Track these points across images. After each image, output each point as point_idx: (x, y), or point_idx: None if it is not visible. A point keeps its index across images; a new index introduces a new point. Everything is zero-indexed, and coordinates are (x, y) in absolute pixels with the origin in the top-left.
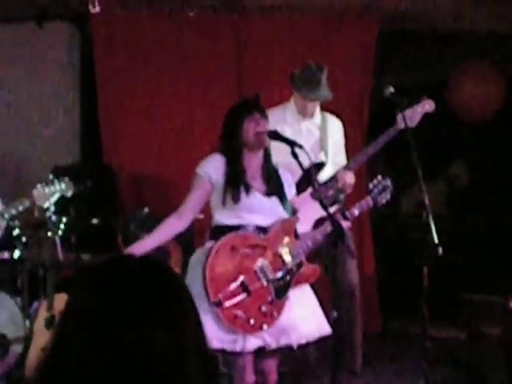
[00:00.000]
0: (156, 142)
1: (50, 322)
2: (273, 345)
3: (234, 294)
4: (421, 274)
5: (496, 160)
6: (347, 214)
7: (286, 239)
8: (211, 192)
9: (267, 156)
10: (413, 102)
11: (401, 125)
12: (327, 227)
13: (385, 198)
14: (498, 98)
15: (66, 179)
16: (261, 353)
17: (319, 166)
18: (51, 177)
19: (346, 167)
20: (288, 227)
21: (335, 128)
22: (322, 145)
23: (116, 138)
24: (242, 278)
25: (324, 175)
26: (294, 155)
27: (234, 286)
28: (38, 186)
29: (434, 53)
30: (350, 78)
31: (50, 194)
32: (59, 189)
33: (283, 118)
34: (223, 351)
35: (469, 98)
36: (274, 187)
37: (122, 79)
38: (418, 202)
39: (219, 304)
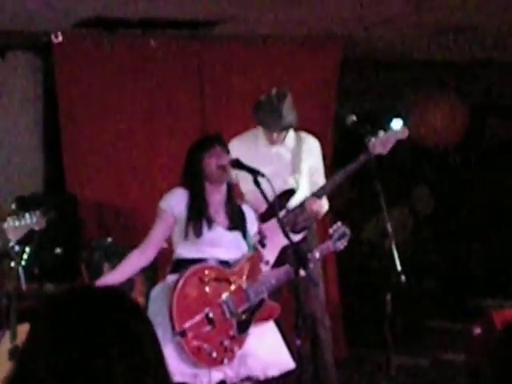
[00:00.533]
0: (119, 171)
1: (13, 353)
2: (234, 379)
3: (198, 326)
4: (383, 302)
5: (460, 186)
6: (308, 256)
7: (251, 275)
8: (174, 226)
9: (230, 191)
10: (376, 130)
11: (373, 151)
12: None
13: (342, 244)
14: (462, 124)
15: (38, 212)
16: None
17: (289, 192)
18: (13, 207)
19: (314, 195)
20: (253, 263)
21: (311, 148)
22: (294, 169)
23: (79, 167)
24: (207, 310)
25: (298, 198)
26: (257, 184)
27: (199, 317)
28: (9, 219)
29: (392, 80)
30: (314, 105)
31: (21, 228)
32: (30, 222)
33: (254, 144)
34: None
35: (431, 125)
36: (236, 221)
37: (85, 108)
38: (382, 229)
39: (183, 334)
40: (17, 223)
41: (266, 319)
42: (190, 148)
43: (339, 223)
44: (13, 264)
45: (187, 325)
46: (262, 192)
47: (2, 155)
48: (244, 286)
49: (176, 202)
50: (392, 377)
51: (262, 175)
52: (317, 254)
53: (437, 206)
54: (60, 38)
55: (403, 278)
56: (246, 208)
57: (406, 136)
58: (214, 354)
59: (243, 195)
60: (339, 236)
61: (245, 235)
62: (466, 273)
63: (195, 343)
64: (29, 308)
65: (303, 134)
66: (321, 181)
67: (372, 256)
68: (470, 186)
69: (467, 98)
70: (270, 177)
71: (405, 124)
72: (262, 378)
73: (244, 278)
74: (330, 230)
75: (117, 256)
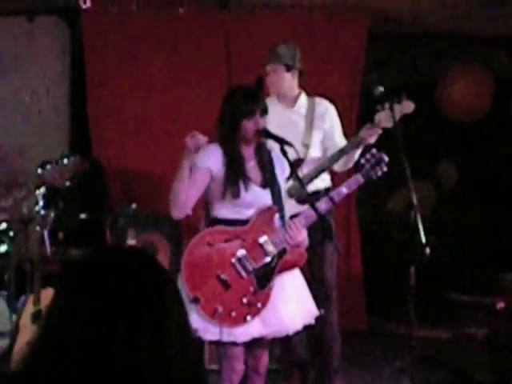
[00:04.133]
0: (145, 138)
1: (36, 317)
2: (268, 336)
3: (211, 289)
4: (407, 274)
5: (484, 160)
6: (334, 194)
7: (267, 228)
8: (209, 184)
9: (260, 145)
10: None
11: (379, 125)
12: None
13: (379, 171)
14: (488, 99)
15: (77, 156)
16: (253, 343)
17: (297, 162)
18: (39, 171)
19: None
20: (268, 216)
21: (325, 113)
22: (305, 138)
23: (105, 133)
24: (218, 271)
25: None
26: (284, 153)
27: (210, 282)
28: (48, 165)
29: (422, 53)
30: (340, 77)
31: (65, 171)
32: (73, 165)
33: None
34: (217, 342)
35: (459, 99)
36: (268, 176)
37: (112, 75)
38: (406, 202)
39: (197, 301)
40: (58, 168)
41: (292, 267)
42: (229, 102)
43: (374, 150)
44: (38, 228)
45: (199, 291)
46: (289, 160)
47: (28, 120)
48: (260, 240)
49: (213, 160)
50: (414, 349)
51: (289, 144)
52: (344, 190)
53: (461, 180)
54: (88, 4)
55: (428, 250)
56: (275, 155)
57: (412, 111)
58: (234, 314)
59: None
60: (373, 164)
61: (276, 190)
62: (491, 247)
63: (210, 307)
64: (53, 272)
65: (317, 99)
66: (336, 144)
67: (396, 228)
68: (495, 160)
69: (493, 72)
70: None
71: (429, 98)
72: (291, 333)
73: (259, 232)
74: (362, 160)
75: (141, 222)
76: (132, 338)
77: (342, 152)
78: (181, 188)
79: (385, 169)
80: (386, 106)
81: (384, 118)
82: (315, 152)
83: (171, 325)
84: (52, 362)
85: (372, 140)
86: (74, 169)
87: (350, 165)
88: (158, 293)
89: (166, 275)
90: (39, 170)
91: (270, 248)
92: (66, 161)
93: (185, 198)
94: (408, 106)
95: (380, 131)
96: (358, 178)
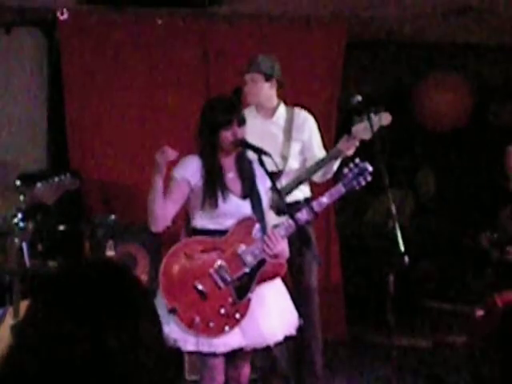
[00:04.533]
0: (124, 148)
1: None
2: (248, 347)
3: (188, 300)
4: (386, 283)
5: (463, 168)
6: (315, 204)
7: (245, 238)
8: (188, 195)
9: (240, 155)
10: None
11: (357, 136)
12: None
13: (363, 181)
14: (465, 107)
15: (68, 174)
16: (234, 354)
17: (276, 174)
18: (18, 184)
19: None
20: (247, 226)
21: (303, 123)
22: (284, 150)
23: (83, 144)
24: (196, 282)
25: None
26: (261, 162)
27: (188, 292)
28: (39, 183)
29: (399, 62)
30: (318, 86)
31: (56, 190)
32: (65, 183)
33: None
34: (198, 353)
35: (435, 107)
36: (248, 187)
37: (90, 85)
38: (385, 211)
39: (174, 311)
40: (49, 186)
41: (271, 278)
42: (207, 114)
43: (357, 160)
44: (16, 240)
45: (177, 302)
46: (267, 171)
47: (6, 132)
48: (239, 250)
49: (191, 171)
50: (393, 358)
51: (267, 154)
52: (324, 201)
53: (440, 188)
54: (66, 15)
55: (406, 259)
56: (257, 167)
57: (389, 122)
58: (212, 324)
59: None
60: (355, 174)
61: (256, 201)
62: (471, 255)
63: (188, 317)
64: (32, 284)
65: (296, 110)
66: (317, 156)
67: (375, 237)
68: (474, 169)
69: (471, 80)
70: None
71: (404, 106)
72: (271, 344)
73: (238, 242)
74: (345, 170)
75: (119, 233)
76: (101, 344)
77: (320, 164)
78: (156, 203)
79: (368, 178)
80: (364, 117)
81: (361, 130)
82: (293, 164)
83: (141, 331)
84: (24, 374)
85: (350, 152)
86: (65, 187)
87: (329, 176)
88: (130, 304)
89: (140, 287)
90: (36, 191)
91: (249, 258)
92: (56, 179)
93: (162, 213)
94: (385, 118)
95: (357, 143)
96: (340, 188)
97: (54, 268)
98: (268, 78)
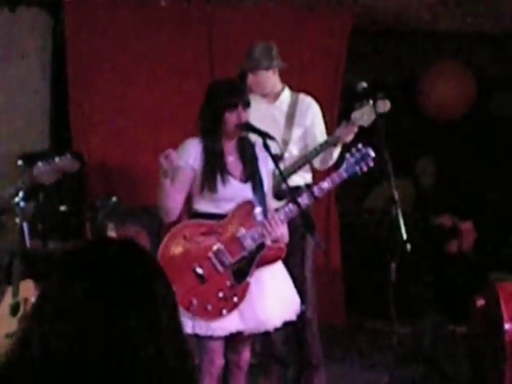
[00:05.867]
0: (126, 130)
1: (14, 309)
2: (246, 332)
3: (187, 283)
4: (388, 270)
5: (464, 158)
6: (316, 189)
7: (245, 222)
8: (193, 179)
9: (243, 139)
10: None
11: (356, 122)
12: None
13: (365, 166)
14: (468, 96)
15: (68, 155)
16: (234, 338)
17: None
18: (20, 163)
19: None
20: (247, 210)
21: (306, 109)
22: (285, 134)
23: (86, 126)
24: (194, 265)
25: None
26: (266, 146)
27: (186, 275)
28: (39, 163)
29: (403, 50)
30: (322, 73)
31: (55, 171)
32: (64, 164)
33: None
34: (196, 336)
35: (439, 96)
36: (250, 170)
37: (93, 67)
38: (386, 198)
39: None
40: (49, 166)
41: (270, 262)
42: (210, 96)
43: (359, 145)
44: (17, 220)
45: (175, 285)
46: (271, 155)
47: (9, 113)
48: (238, 234)
49: (194, 156)
50: (394, 345)
51: (272, 138)
52: (325, 185)
53: (440, 178)
54: None
55: (408, 246)
56: (259, 150)
57: (388, 110)
58: (209, 307)
59: None
60: (357, 159)
61: (257, 184)
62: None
63: (186, 300)
64: (32, 264)
65: (301, 95)
66: (317, 141)
67: (377, 224)
68: (474, 159)
69: (474, 70)
70: None
71: (409, 95)
72: (269, 329)
73: (237, 226)
74: (347, 155)
75: (120, 215)
76: (124, 328)
77: (318, 149)
78: (167, 199)
79: (371, 164)
80: (363, 104)
81: (360, 117)
82: (293, 149)
83: (162, 311)
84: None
85: (349, 138)
86: (65, 168)
87: (330, 163)
88: (148, 280)
89: (156, 264)
90: (35, 171)
91: (248, 242)
92: (57, 159)
93: (173, 205)
94: (385, 105)
95: (356, 130)
96: (341, 173)
97: (55, 248)
98: (268, 68)
